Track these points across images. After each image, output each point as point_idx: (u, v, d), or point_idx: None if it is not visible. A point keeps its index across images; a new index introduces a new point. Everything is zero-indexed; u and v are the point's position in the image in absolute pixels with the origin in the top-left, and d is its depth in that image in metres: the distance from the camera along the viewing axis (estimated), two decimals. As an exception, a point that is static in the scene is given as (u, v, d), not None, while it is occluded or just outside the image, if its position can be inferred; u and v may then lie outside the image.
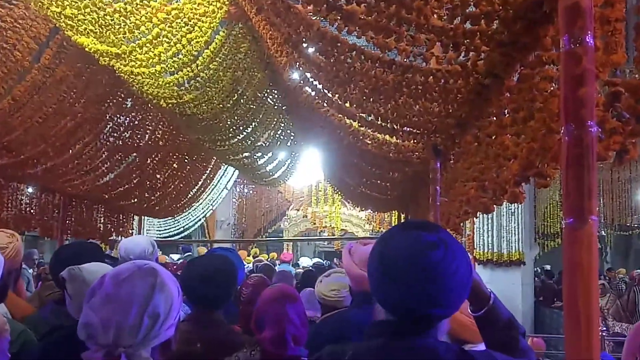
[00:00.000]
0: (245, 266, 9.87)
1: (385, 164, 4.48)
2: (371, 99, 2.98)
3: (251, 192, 15.91)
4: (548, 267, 12.19)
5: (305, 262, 11.21)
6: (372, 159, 4.49)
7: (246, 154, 7.53)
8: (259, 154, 7.78)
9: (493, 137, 2.25)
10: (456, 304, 1.27)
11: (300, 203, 15.29)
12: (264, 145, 7.40)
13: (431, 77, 2.35)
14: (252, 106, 5.91)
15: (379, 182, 5.45)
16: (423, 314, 1.24)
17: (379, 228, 14.15)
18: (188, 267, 2.32)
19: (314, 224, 14.88)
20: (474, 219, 8.14)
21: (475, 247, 8.70)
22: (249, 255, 11.90)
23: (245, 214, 15.85)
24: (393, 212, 9.37)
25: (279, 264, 9.55)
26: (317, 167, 9.55)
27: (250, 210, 15.88)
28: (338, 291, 2.72)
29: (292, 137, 7.69)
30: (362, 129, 3.91)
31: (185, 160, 7.52)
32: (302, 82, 3.99)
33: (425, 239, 1.27)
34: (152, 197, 7.57)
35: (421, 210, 4.53)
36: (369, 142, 4.03)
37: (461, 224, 3.11)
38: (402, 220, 6.88)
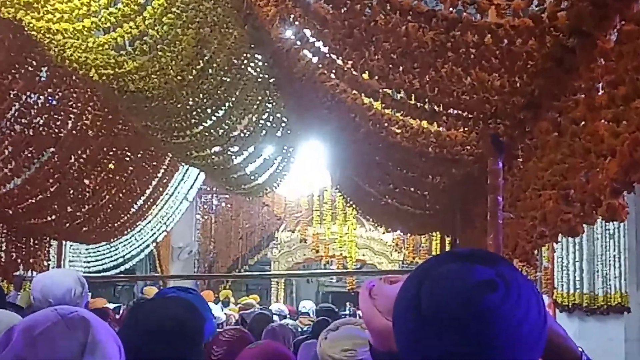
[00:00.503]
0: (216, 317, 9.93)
1: (421, 164, 4.50)
2: (400, 69, 3.00)
3: (224, 205, 15.93)
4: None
5: (308, 307, 11.26)
6: (402, 156, 4.51)
7: (216, 149, 7.55)
8: (235, 149, 7.81)
9: (581, 124, 2.26)
10: None
11: (297, 221, 15.33)
12: (242, 136, 7.43)
13: (489, 35, 2.36)
14: (225, 79, 5.93)
15: (412, 190, 5.47)
16: None
17: (413, 259, 14.19)
18: (131, 317, 2.36)
19: (317, 251, 14.96)
20: (554, 245, 8.16)
21: (555, 286, 8.73)
22: (217, 301, 11.93)
23: (215, 238, 15.87)
24: (433, 234, 9.37)
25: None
26: (321, 169, 9.55)
27: (221, 233, 15.91)
28: (353, 352, 2.73)
29: (283, 125, 7.72)
30: (387, 111, 3.93)
31: (127, 159, 7.54)
32: (298, 43, 4.01)
33: (478, 275, 1.30)
34: (78, 213, 7.58)
35: (475, 232, 4.54)
36: (398, 131, 4.05)
37: (535, 253, 3.11)
38: (447, 247, 6.89)
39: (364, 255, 15.21)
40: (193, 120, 6.38)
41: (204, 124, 6.57)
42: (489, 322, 1.25)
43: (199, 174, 11.58)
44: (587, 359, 1.53)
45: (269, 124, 7.53)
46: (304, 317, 10.39)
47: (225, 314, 10.74)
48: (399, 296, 1.37)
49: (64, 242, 8.70)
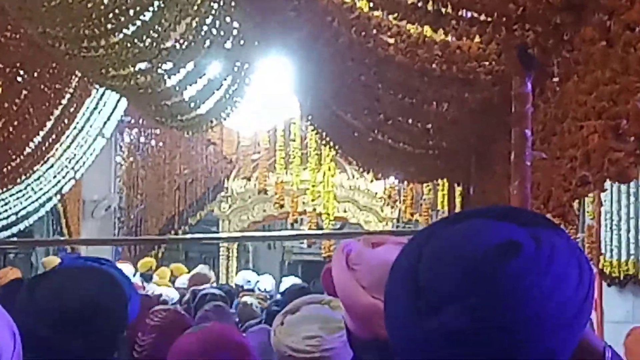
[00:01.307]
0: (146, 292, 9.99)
1: (423, 86, 4.51)
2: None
3: (154, 144, 15.87)
4: None
5: (267, 284, 11.40)
6: (396, 75, 4.51)
7: (142, 66, 7.50)
8: (168, 66, 7.78)
9: (637, 30, 2.26)
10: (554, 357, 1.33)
11: (254, 166, 15.34)
12: (177, 48, 7.39)
13: None
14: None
15: (410, 122, 5.48)
16: None
17: (412, 216, 14.28)
18: (28, 297, 2.37)
19: (281, 206, 14.96)
20: (600, 195, 8.22)
21: (602, 251, 8.82)
22: (136, 272, 12.02)
23: (143, 189, 15.85)
24: (440, 182, 9.43)
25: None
26: (287, 94, 9.53)
27: (151, 182, 15.89)
28: (319, 340, 2.77)
29: (234, 33, 7.67)
30: (375, 14, 3.91)
31: (19, 80, 7.50)
32: None
33: (497, 235, 1.33)
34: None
35: (495, 178, 4.57)
36: (391, 40, 4.05)
37: (574, 206, 3.14)
38: (458, 200, 6.94)
39: (345, 211, 15.33)
40: (109, 26, 6.32)
41: (124, 30, 6.51)
42: (503, 299, 1.28)
43: (118, 100, 11.51)
44: (612, 355, 1.57)
45: (214, 31, 7.48)
46: (247, 294, 10.40)
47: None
48: (394, 266, 1.40)
49: None
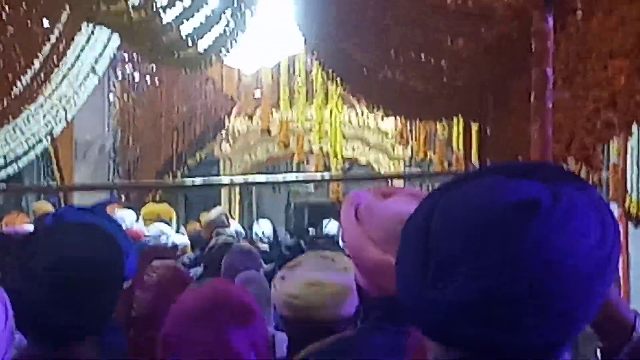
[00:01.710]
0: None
1: (435, 21, 4.48)
2: None
3: (149, 81, 15.82)
4: None
5: (264, 228, 11.40)
6: (407, 7, 4.47)
7: (136, 2, 7.44)
8: (164, 1, 7.72)
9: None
10: (578, 325, 1.35)
11: (256, 104, 15.27)
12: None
13: None
14: None
15: (422, 59, 5.45)
16: (515, 346, 1.31)
17: (425, 155, 14.25)
18: (15, 258, 2.37)
19: (286, 146, 14.93)
20: (628, 137, 8.15)
21: (628, 190, 8.78)
22: (138, 218, 12.01)
23: (138, 129, 15.83)
24: (455, 120, 9.43)
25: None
26: (291, 27, 9.48)
27: (147, 121, 15.84)
28: (321, 288, 2.79)
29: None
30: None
31: (4, 17, 7.45)
32: None
33: (515, 193, 1.33)
34: None
35: (513, 119, 4.55)
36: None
37: (598, 149, 3.13)
38: (474, 138, 6.93)
39: (354, 150, 15.31)
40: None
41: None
42: (529, 259, 1.28)
43: (110, 36, 11.45)
44: None
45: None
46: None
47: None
48: (407, 225, 1.42)
49: None
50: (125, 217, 10.24)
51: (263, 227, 11.39)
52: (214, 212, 11.25)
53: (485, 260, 1.29)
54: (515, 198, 1.31)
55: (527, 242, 1.28)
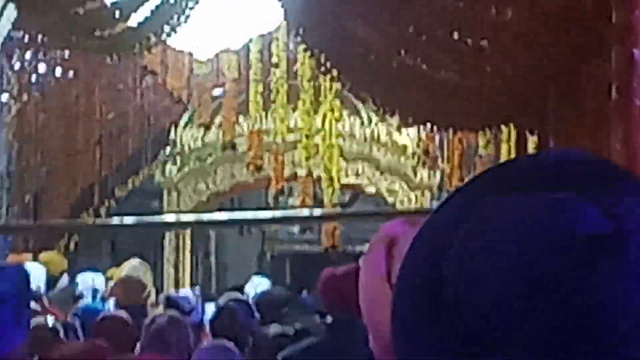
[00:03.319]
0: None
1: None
2: None
3: (60, 75, 15.93)
4: None
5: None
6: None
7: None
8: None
9: None
10: None
11: (215, 106, 15.37)
12: None
13: None
14: None
15: (455, 37, 5.48)
16: None
17: (461, 181, 14.28)
18: None
19: (258, 168, 15.10)
20: None
21: None
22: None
23: (45, 144, 15.93)
24: (503, 130, 9.52)
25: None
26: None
27: (57, 132, 15.97)
28: None
29: None
30: None
31: None
32: None
33: (581, 221, 1.27)
34: None
35: (586, 122, 4.55)
36: None
37: None
38: (531, 154, 6.95)
39: (358, 174, 15.49)
40: None
41: None
42: (594, 307, 1.28)
43: (4, 7, 11.54)
44: None
45: None
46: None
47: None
48: (404, 268, 1.38)
49: None
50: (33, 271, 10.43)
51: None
52: (127, 267, 11.47)
53: (546, 325, 1.27)
54: (583, 225, 1.29)
55: (603, 286, 1.28)
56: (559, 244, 1.30)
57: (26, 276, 4.36)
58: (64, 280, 13.47)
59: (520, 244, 1.32)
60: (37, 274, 11.15)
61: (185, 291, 12.92)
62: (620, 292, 1.28)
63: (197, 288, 13.36)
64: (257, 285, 12.77)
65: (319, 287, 7.54)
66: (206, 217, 15.23)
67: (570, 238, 1.29)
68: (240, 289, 13.31)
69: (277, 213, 16.27)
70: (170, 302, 10.89)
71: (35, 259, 13.17)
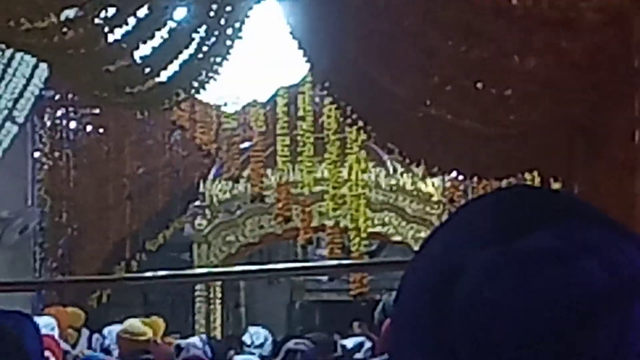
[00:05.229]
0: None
1: (499, 31, 4.51)
2: None
3: (91, 131, 15.92)
4: None
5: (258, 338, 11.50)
6: (459, 14, 4.52)
7: (71, 14, 7.51)
8: (111, 12, 7.79)
9: None
10: None
11: (243, 159, 15.33)
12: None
13: None
14: None
15: (479, 86, 5.47)
16: None
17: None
18: None
19: (287, 220, 14.95)
20: None
21: None
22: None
23: (76, 199, 15.91)
24: (528, 176, 9.49)
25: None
26: (291, 50, 9.59)
27: (88, 188, 15.92)
28: None
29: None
30: None
31: None
32: None
33: (590, 284, 1.27)
34: None
35: (613, 169, 4.54)
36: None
37: None
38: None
39: (384, 224, 15.32)
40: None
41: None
42: None
43: (35, 67, 11.56)
44: None
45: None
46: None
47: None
48: (399, 302, 1.42)
49: None
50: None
51: (256, 337, 11.45)
52: (126, 323, 11.55)
53: None
54: (593, 288, 1.25)
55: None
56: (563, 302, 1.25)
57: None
58: (84, 334, 13.38)
59: (530, 299, 1.25)
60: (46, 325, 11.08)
61: (194, 339, 12.94)
62: (626, 347, 1.25)
63: (204, 336, 13.39)
64: (253, 334, 12.53)
65: (381, 334, 7.49)
66: (236, 268, 15.06)
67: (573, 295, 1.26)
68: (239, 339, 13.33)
69: (306, 264, 16.11)
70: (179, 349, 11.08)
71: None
